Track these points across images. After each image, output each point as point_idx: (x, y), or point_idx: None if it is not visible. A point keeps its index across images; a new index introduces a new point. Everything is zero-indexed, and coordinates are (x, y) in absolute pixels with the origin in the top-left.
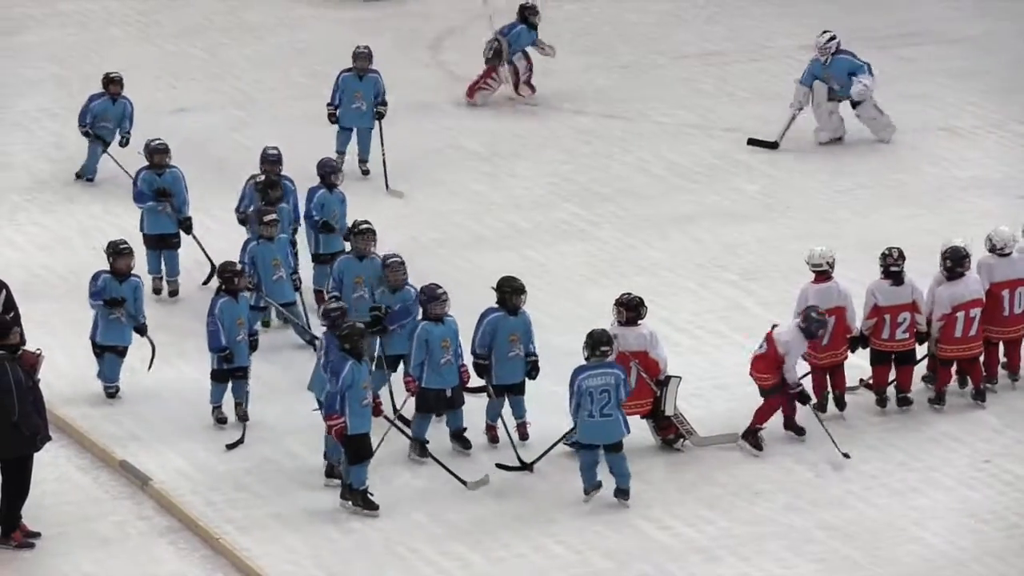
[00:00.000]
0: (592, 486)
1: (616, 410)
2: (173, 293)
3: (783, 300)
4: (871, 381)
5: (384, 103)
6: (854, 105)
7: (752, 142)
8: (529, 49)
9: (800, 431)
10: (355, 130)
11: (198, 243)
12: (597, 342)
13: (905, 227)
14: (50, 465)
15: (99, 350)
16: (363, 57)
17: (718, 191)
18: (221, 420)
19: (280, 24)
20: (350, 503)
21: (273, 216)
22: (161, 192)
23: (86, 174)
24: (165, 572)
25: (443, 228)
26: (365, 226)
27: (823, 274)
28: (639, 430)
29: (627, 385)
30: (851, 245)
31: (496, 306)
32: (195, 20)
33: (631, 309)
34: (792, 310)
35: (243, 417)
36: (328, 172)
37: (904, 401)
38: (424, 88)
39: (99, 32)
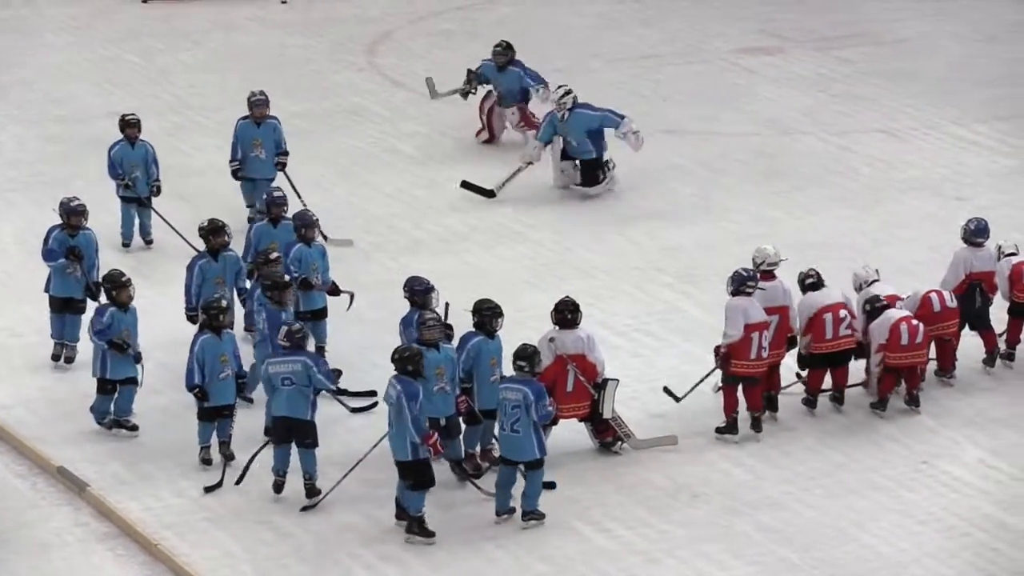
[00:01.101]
0: (502, 509)
1: (527, 429)
2: (70, 360)
3: (720, 302)
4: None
5: (285, 152)
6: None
7: (466, 185)
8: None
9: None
10: (255, 181)
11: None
12: (515, 356)
13: (841, 228)
14: None
15: (109, 385)
16: (260, 104)
17: (655, 194)
18: (206, 461)
19: (215, 28)
20: (411, 534)
21: (277, 255)
22: (73, 252)
23: (125, 240)
24: None
25: (380, 232)
26: (276, 254)
27: (769, 273)
28: (577, 433)
29: (542, 405)
30: (787, 247)
31: (475, 330)
32: (130, 25)
33: (568, 312)
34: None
35: (228, 456)
36: (305, 226)
37: (838, 399)
38: (360, 92)
39: (34, 38)
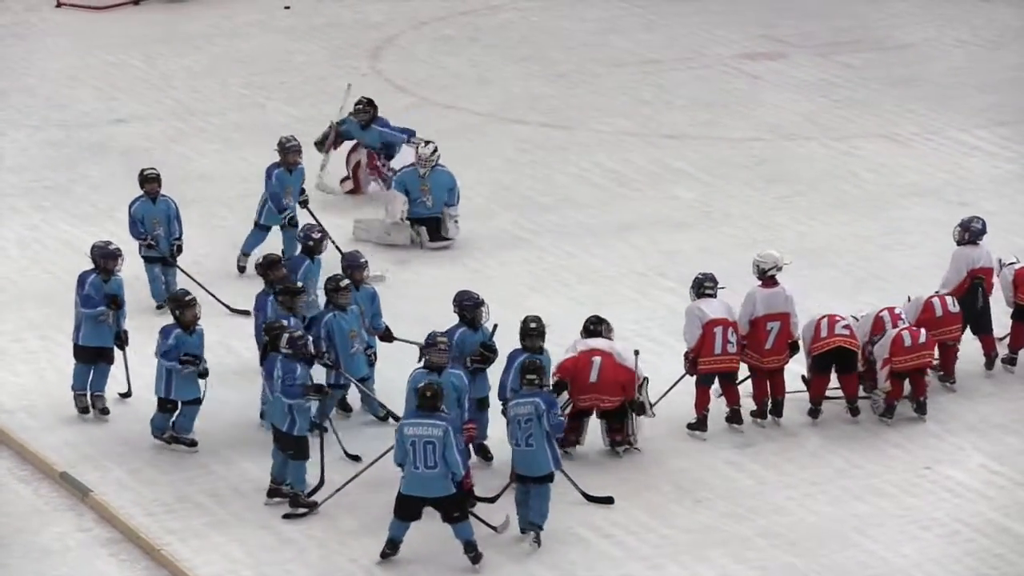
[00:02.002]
0: (522, 526)
1: (540, 441)
2: (105, 411)
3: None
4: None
5: (303, 191)
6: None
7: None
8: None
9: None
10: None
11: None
12: (524, 370)
13: (843, 234)
14: None
15: (170, 404)
16: (295, 151)
17: (657, 199)
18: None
19: (218, 34)
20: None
21: (348, 283)
22: (114, 301)
23: (157, 300)
24: None
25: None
26: (345, 282)
27: (772, 279)
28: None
29: (553, 414)
30: (790, 252)
31: (520, 348)
32: (134, 31)
33: (592, 325)
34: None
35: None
36: (352, 267)
37: (854, 410)
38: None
39: (37, 43)
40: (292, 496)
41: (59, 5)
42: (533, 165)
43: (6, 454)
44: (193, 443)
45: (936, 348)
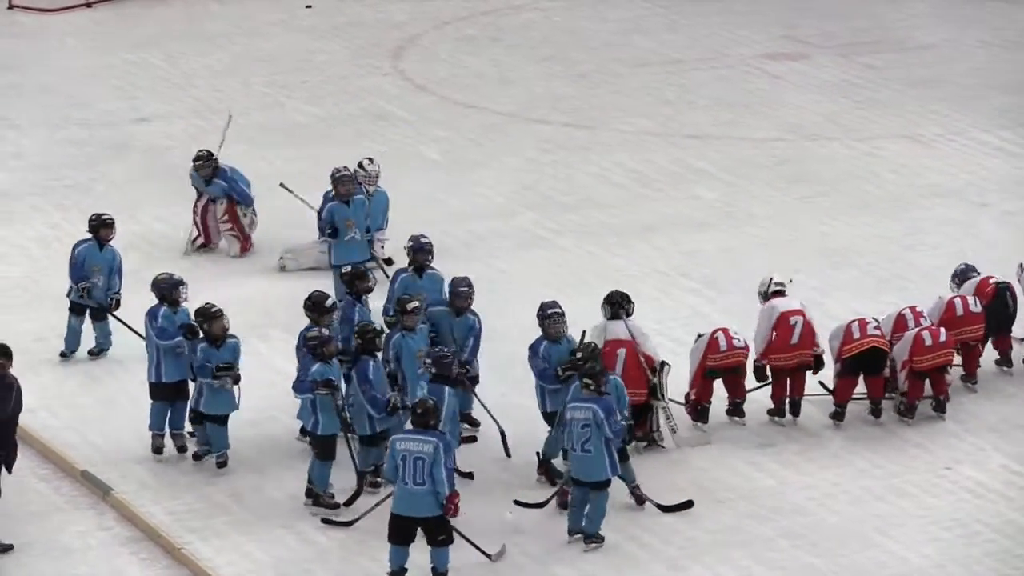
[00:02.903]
0: (574, 529)
1: (599, 447)
2: (183, 449)
3: (744, 307)
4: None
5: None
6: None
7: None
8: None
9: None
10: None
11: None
12: (583, 375)
13: (865, 234)
14: (11, 475)
15: (199, 417)
16: (347, 180)
17: (679, 199)
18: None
19: (239, 32)
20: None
21: (416, 304)
22: (191, 331)
23: (68, 348)
24: None
25: (406, 238)
26: (414, 304)
27: (779, 292)
28: None
29: (613, 420)
30: (811, 252)
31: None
32: (154, 29)
33: (613, 305)
34: (754, 317)
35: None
36: (417, 250)
37: (876, 412)
38: (384, 96)
39: (57, 42)
40: (314, 496)
41: (11, 7)
42: (555, 165)
43: (28, 453)
44: (222, 464)
45: (957, 348)
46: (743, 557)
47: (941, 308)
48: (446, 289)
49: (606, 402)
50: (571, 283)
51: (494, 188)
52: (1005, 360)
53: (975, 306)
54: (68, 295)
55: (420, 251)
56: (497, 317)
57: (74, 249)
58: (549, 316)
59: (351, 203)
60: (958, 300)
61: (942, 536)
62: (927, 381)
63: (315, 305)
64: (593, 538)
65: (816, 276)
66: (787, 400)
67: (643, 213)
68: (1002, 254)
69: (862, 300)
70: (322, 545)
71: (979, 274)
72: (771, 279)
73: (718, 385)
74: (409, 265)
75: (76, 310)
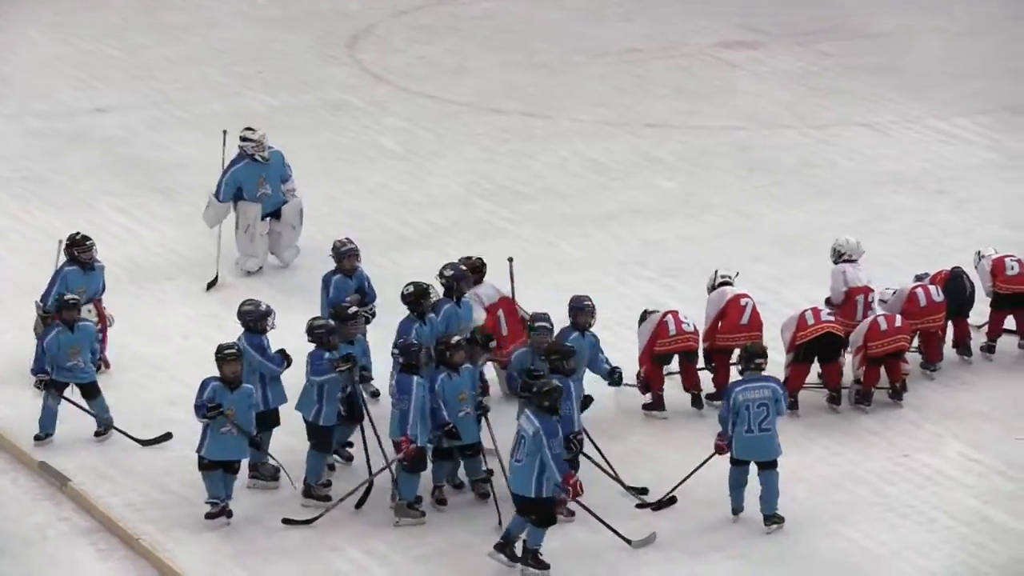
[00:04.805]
0: (739, 508)
1: (775, 426)
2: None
3: (703, 296)
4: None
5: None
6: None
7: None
8: None
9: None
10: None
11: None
12: (751, 355)
13: (822, 222)
14: None
15: (205, 465)
16: (353, 255)
17: (637, 188)
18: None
19: (197, 23)
20: (525, 565)
21: (459, 339)
22: (284, 355)
23: (43, 430)
24: (85, 573)
25: (364, 227)
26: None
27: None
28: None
29: (786, 399)
30: (769, 241)
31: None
32: (113, 21)
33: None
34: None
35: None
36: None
37: (836, 400)
38: (341, 86)
39: (15, 32)
40: (305, 487)
41: None
42: (513, 154)
43: None
44: (221, 512)
45: (917, 335)
46: (701, 545)
47: (903, 298)
48: (476, 315)
49: (778, 381)
50: (529, 273)
51: (451, 178)
52: (964, 349)
53: (937, 295)
54: (36, 384)
55: (462, 279)
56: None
57: (43, 338)
58: (536, 329)
59: (354, 277)
60: (920, 290)
61: (900, 523)
62: (883, 368)
63: (422, 294)
64: (773, 518)
65: (773, 264)
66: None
67: (601, 202)
68: (958, 242)
69: (819, 288)
70: (282, 534)
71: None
72: (716, 272)
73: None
74: (448, 294)
75: (53, 387)
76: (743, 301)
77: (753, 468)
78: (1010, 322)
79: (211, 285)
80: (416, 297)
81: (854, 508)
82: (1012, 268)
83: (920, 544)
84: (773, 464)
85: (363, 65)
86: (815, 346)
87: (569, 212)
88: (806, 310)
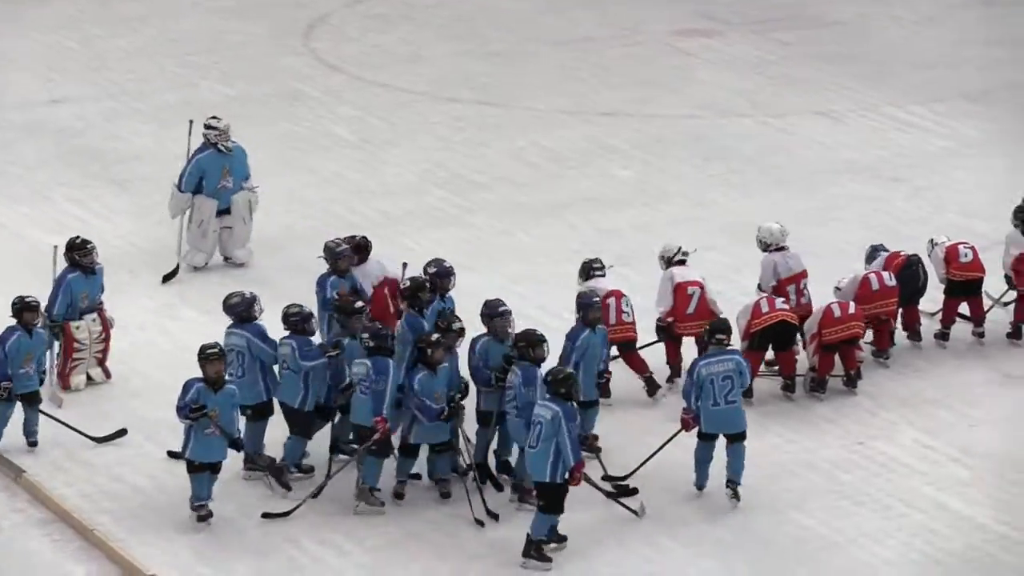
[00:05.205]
0: (702, 484)
1: (739, 399)
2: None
3: (657, 284)
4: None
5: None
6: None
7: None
8: None
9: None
10: None
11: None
12: (714, 330)
13: (779, 211)
14: None
15: (194, 467)
16: (349, 256)
17: (592, 177)
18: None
19: (152, 14)
20: (527, 558)
21: (439, 337)
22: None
23: None
24: (39, 564)
25: (317, 216)
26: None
27: (682, 262)
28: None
29: (749, 372)
30: (725, 230)
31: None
32: (68, 12)
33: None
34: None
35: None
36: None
37: (791, 388)
38: (296, 76)
39: None
40: (277, 469)
41: None
42: (467, 143)
43: None
44: (208, 515)
45: (868, 323)
46: (655, 533)
47: (856, 284)
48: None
49: (741, 356)
50: (483, 261)
51: (406, 166)
52: (914, 335)
53: (890, 280)
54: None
55: (446, 276)
56: None
57: (4, 341)
58: (500, 314)
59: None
60: (872, 275)
61: (855, 510)
62: (837, 355)
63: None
64: (735, 487)
65: (729, 253)
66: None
67: (556, 191)
68: (914, 230)
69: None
70: (238, 524)
71: (887, 251)
72: (679, 248)
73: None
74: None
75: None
76: (690, 290)
77: (720, 444)
78: (964, 309)
79: (168, 277)
80: (413, 291)
81: (809, 495)
82: (966, 255)
83: (875, 531)
84: (742, 436)
85: (317, 54)
86: (769, 334)
87: (524, 201)
88: (761, 298)
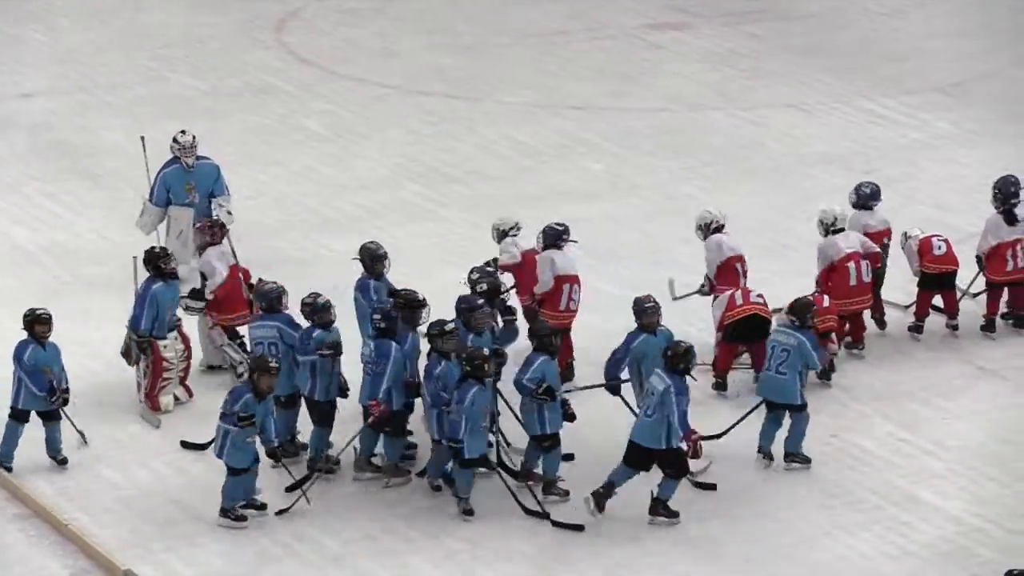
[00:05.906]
0: (766, 451)
1: (795, 373)
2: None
3: (630, 279)
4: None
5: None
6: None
7: None
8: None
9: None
10: None
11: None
12: (789, 311)
13: (751, 203)
14: None
15: (235, 472)
16: (386, 259)
17: (564, 170)
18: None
19: (122, 7)
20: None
21: (453, 326)
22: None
23: (4, 462)
24: (14, 558)
25: (291, 210)
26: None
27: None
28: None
29: (821, 353)
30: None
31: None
32: (37, 4)
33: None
34: (638, 288)
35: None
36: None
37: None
38: (268, 70)
39: None
40: (309, 460)
41: None
42: (439, 137)
43: None
44: (244, 517)
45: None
46: (626, 527)
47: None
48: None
49: (812, 336)
50: (457, 255)
51: (378, 160)
52: (879, 323)
53: (867, 274)
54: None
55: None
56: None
57: (21, 354)
58: (478, 308)
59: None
60: (851, 265)
61: (829, 503)
62: None
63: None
64: (796, 456)
65: (701, 246)
66: None
67: (528, 184)
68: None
69: (749, 270)
70: (210, 519)
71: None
72: (720, 215)
73: None
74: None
75: (19, 418)
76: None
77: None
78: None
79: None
80: (537, 333)
81: (784, 488)
82: (939, 248)
83: (849, 524)
84: (789, 407)
85: (289, 48)
86: (742, 327)
87: (496, 194)
88: (736, 290)
